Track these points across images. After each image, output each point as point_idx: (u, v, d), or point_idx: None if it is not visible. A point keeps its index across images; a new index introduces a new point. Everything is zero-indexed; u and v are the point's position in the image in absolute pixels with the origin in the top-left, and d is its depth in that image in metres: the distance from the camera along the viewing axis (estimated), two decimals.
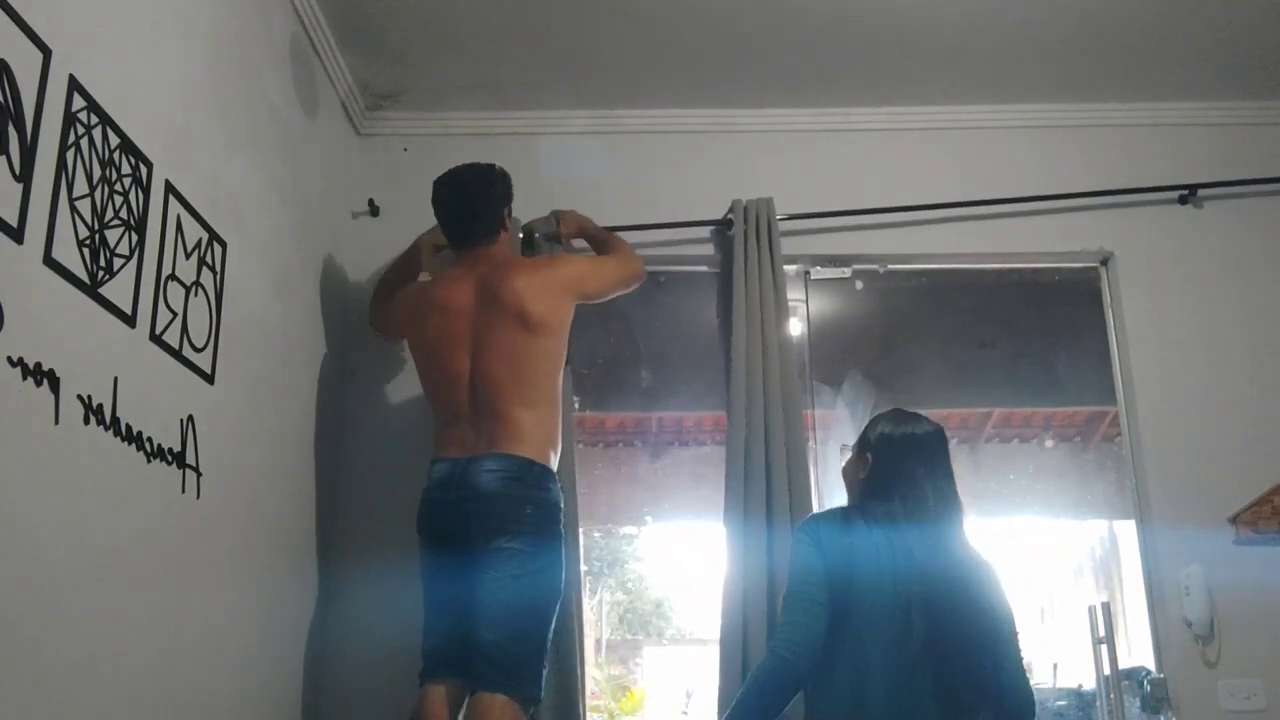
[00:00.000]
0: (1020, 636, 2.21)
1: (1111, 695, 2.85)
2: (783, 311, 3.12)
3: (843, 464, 2.47)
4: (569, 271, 2.76)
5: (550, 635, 2.48)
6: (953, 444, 2.32)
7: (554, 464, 2.57)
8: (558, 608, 2.52)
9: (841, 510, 2.31)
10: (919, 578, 2.09)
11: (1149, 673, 3.04)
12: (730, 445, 2.98)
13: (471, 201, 2.74)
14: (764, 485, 2.92)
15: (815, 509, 3.00)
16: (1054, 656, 4.00)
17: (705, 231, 3.31)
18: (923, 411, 2.36)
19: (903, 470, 2.25)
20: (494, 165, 2.80)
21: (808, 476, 2.99)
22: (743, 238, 3.15)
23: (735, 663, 2.82)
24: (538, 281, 2.66)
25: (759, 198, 3.20)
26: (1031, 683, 2.20)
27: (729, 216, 3.22)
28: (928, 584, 2.09)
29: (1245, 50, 3.11)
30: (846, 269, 3.40)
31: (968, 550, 2.23)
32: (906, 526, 2.16)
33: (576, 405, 3.21)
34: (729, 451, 2.98)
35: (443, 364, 2.62)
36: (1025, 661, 2.22)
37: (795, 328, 3.46)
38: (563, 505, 2.55)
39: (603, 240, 3.04)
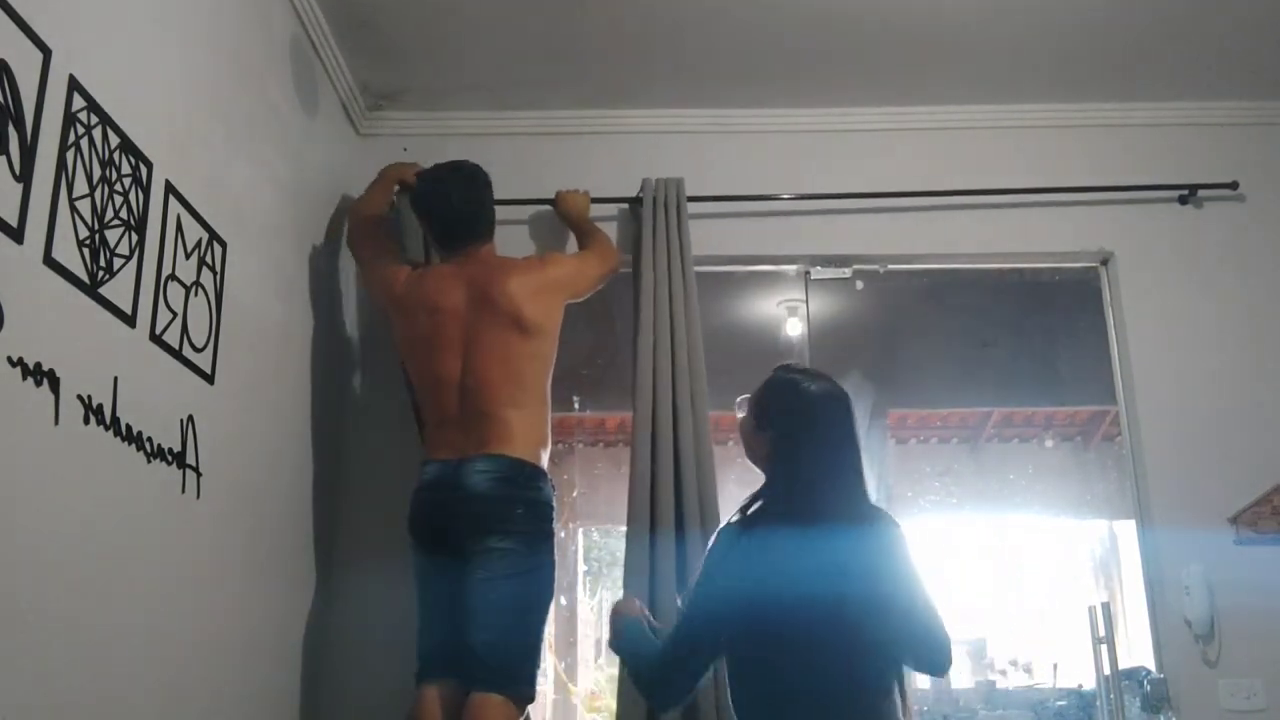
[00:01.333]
0: (920, 586, 2.02)
1: (1111, 695, 2.85)
2: (690, 303, 3.05)
3: (739, 419, 2.22)
4: (559, 272, 2.76)
5: (543, 634, 2.48)
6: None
7: (544, 463, 2.57)
8: (550, 607, 2.53)
9: (739, 523, 2.06)
10: (824, 595, 1.93)
11: (1149, 673, 3.04)
12: (636, 449, 2.88)
13: (466, 204, 2.75)
14: (672, 492, 2.84)
15: None
16: (1054, 656, 4.01)
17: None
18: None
19: (803, 465, 2.06)
20: (476, 164, 2.82)
21: (714, 483, 2.90)
22: (648, 220, 3.12)
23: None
24: (531, 284, 2.66)
25: (667, 177, 3.18)
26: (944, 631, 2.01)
27: (639, 195, 3.19)
28: (829, 597, 1.93)
29: (1245, 50, 3.11)
30: (846, 269, 3.39)
31: (864, 538, 2.02)
32: (805, 529, 1.99)
33: (576, 405, 3.21)
34: (634, 455, 2.88)
35: (432, 366, 2.63)
36: (932, 607, 2.01)
37: (795, 328, 3.46)
38: (555, 505, 2.55)
39: (586, 232, 3.04)
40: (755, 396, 2.19)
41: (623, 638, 2.16)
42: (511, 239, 3.16)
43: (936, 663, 2.02)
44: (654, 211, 3.14)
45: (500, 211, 2.93)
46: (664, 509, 2.84)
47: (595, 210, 3.18)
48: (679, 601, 2.55)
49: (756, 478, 2.18)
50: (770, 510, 2.05)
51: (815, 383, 2.14)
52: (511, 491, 2.47)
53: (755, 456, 2.18)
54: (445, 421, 2.59)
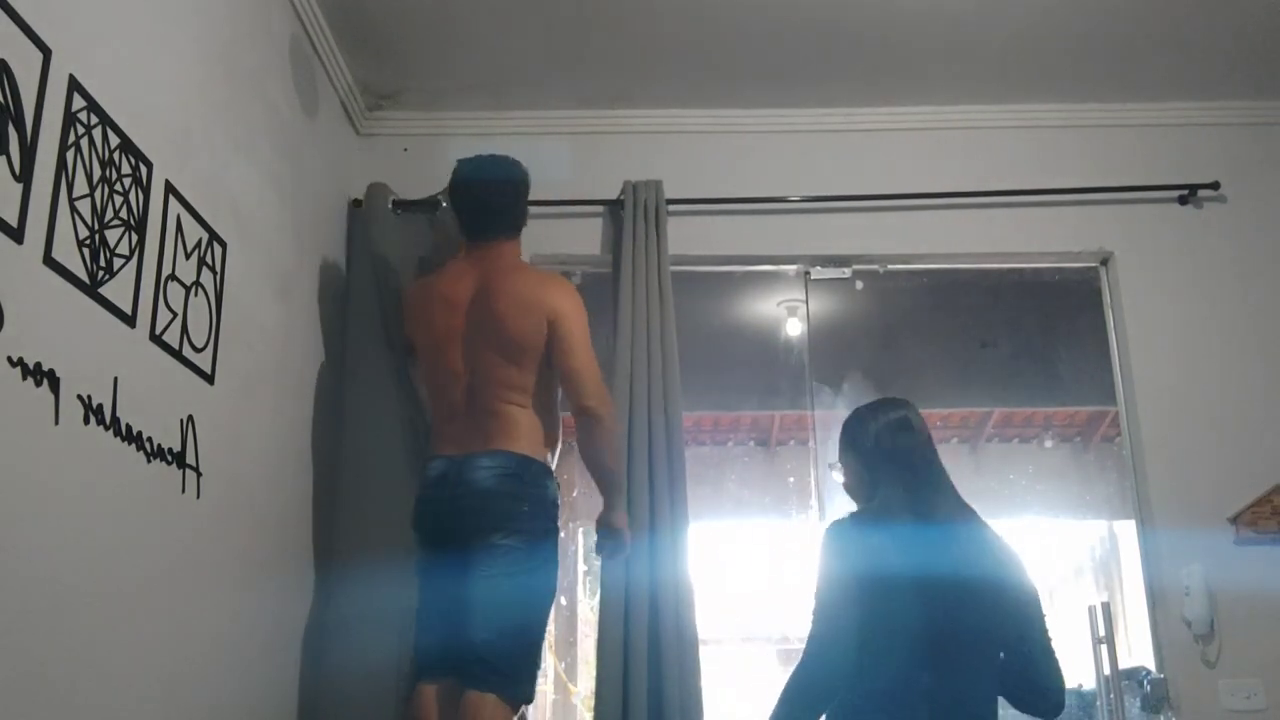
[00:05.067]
0: (1045, 619, 2.11)
1: (1111, 695, 2.85)
2: (666, 304, 3.07)
3: (843, 483, 2.28)
4: (558, 332, 2.52)
5: (544, 634, 2.47)
6: (953, 444, 2.30)
7: (552, 462, 2.57)
8: (551, 607, 2.52)
9: (848, 519, 2.13)
10: (934, 578, 1.98)
11: (1149, 673, 3.04)
12: None
13: (493, 195, 2.68)
14: (647, 492, 2.90)
15: (815, 511, 3.00)
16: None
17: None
18: (923, 412, 2.29)
19: (897, 466, 2.13)
20: (517, 161, 2.75)
21: (685, 482, 2.94)
22: (629, 222, 3.14)
23: (616, 669, 2.81)
24: (524, 302, 2.54)
25: (646, 179, 3.19)
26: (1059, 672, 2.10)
27: (621, 198, 3.20)
28: (942, 584, 1.98)
29: (1246, 50, 3.11)
30: (846, 269, 3.40)
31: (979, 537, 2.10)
32: (916, 524, 2.06)
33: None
34: None
35: (441, 360, 2.61)
36: (1052, 647, 2.11)
37: (795, 328, 3.47)
38: (560, 504, 2.54)
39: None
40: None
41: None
42: None
43: (1043, 709, 2.09)
44: (633, 213, 3.15)
45: None
46: (638, 509, 2.88)
47: (584, 210, 3.22)
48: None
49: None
50: (870, 510, 2.14)
51: (878, 417, 2.20)
52: (516, 488, 2.45)
53: (855, 496, 2.23)
54: (451, 417, 2.57)
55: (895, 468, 2.14)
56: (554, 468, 2.58)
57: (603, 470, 2.58)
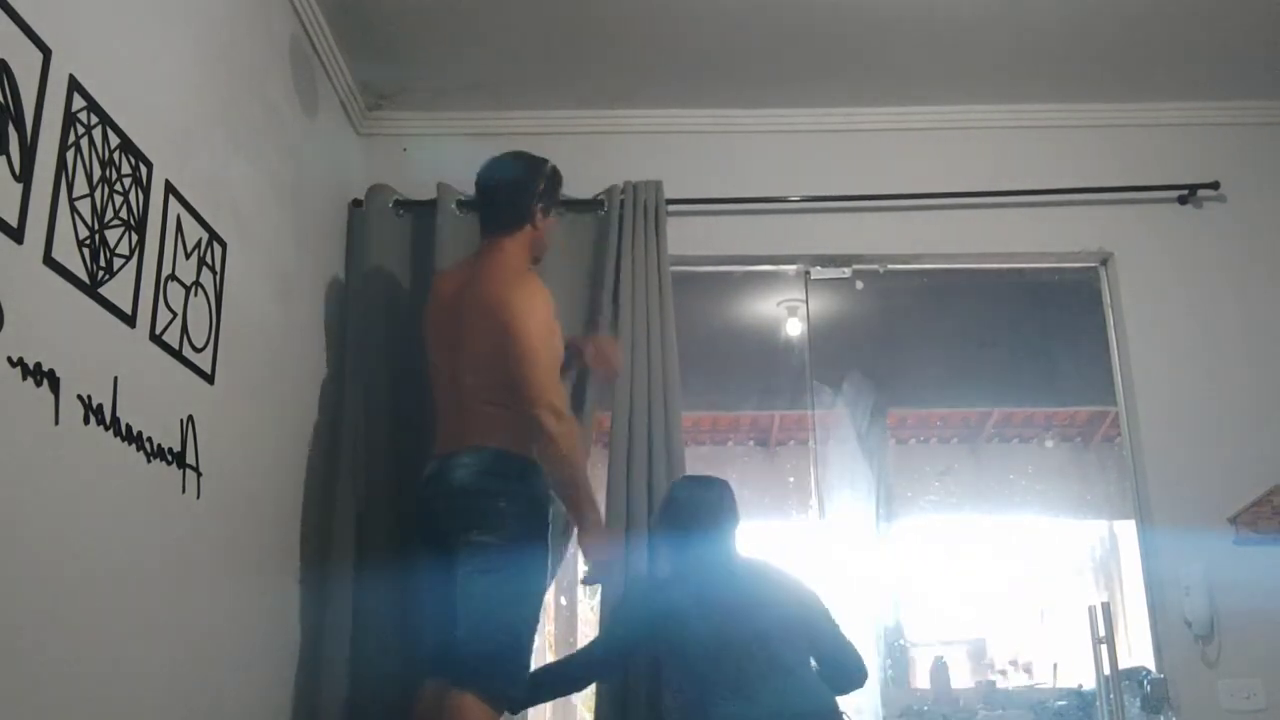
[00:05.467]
0: (830, 614, 2.58)
1: (1111, 695, 2.85)
2: (666, 304, 3.07)
3: None
4: (510, 347, 2.44)
5: (528, 633, 2.42)
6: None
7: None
8: (538, 605, 2.47)
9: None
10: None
11: (1149, 673, 3.04)
12: (613, 450, 2.96)
13: (498, 188, 2.64)
14: (645, 492, 2.91)
15: (815, 511, 3.00)
16: (1054, 656, 4.01)
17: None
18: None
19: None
20: (541, 160, 2.70)
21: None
22: (628, 222, 3.14)
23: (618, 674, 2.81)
24: (483, 307, 2.50)
25: (646, 180, 3.19)
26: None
27: (600, 197, 3.20)
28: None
29: (1246, 51, 3.11)
30: (846, 269, 3.40)
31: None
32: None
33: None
34: (611, 456, 2.96)
35: (434, 359, 2.62)
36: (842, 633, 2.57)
37: (795, 328, 3.47)
38: (548, 499, 2.50)
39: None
40: None
41: None
42: None
43: (854, 681, 2.64)
44: (632, 214, 3.15)
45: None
46: (638, 509, 2.88)
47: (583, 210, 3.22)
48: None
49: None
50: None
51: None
52: (493, 484, 2.42)
53: None
54: (444, 416, 2.58)
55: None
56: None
57: (556, 485, 2.49)
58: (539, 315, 2.48)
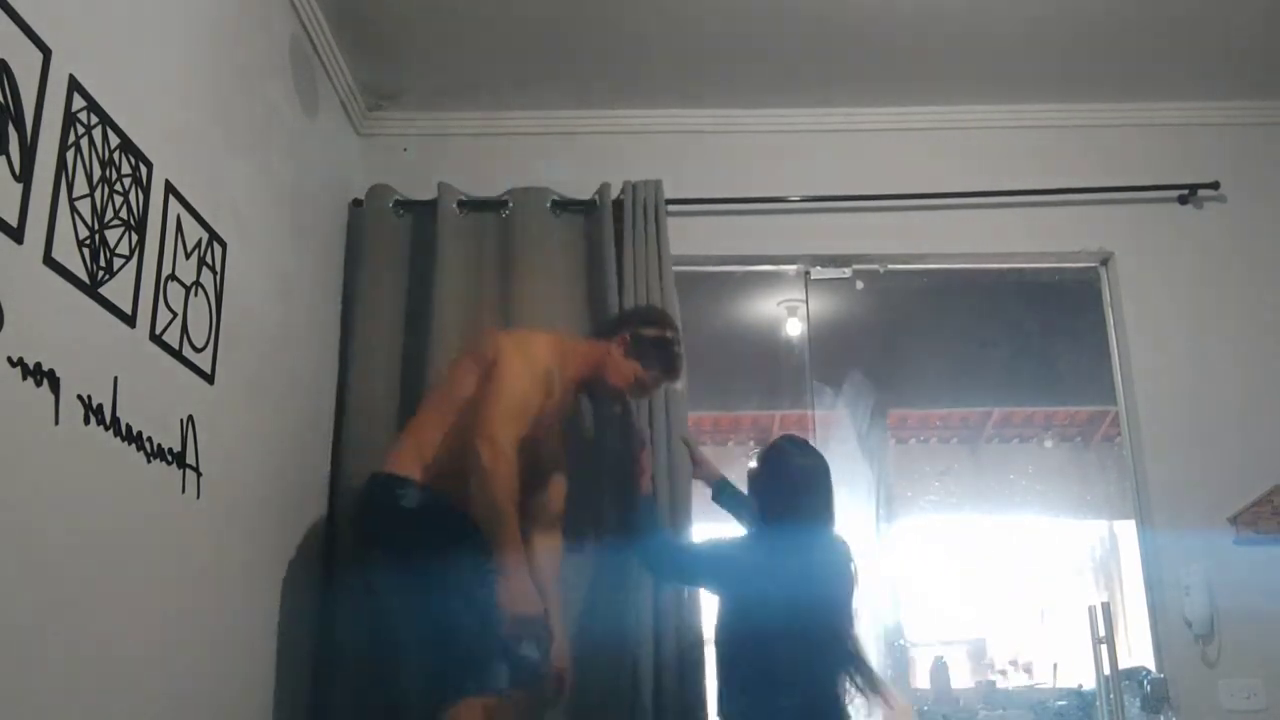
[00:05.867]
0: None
1: (1111, 695, 2.85)
2: (668, 304, 3.07)
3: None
4: (495, 361, 2.51)
5: (470, 627, 2.34)
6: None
7: (420, 472, 2.48)
8: (468, 600, 2.38)
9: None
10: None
11: (1149, 673, 3.04)
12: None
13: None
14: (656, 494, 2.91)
15: None
16: (1054, 656, 4.01)
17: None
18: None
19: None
20: (663, 320, 2.82)
21: (688, 485, 2.97)
22: (629, 222, 3.15)
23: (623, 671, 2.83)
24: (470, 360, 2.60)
25: (647, 179, 3.20)
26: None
27: (590, 196, 3.22)
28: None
29: (1246, 50, 3.11)
30: (846, 269, 3.40)
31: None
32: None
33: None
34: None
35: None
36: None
37: (795, 328, 3.47)
38: (419, 507, 2.44)
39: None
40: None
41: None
42: (505, 236, 3.17)
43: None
44: (632, 213, 3.15)
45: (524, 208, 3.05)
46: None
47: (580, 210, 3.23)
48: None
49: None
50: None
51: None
52: (367, 508, 2.54)
53: None
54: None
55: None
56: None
57: (480, 520, 2.40)
58: (524, 363, 2.51)
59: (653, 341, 2.70)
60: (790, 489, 2.52)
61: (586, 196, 3.23)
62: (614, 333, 2.74)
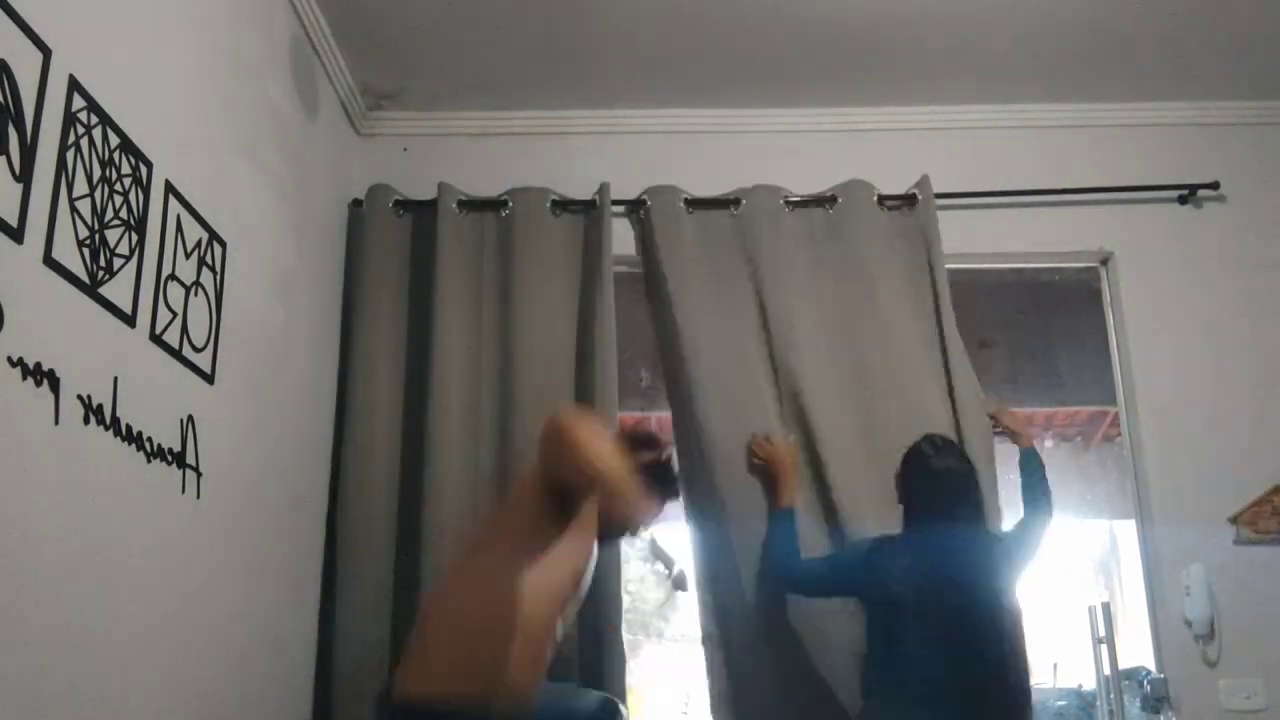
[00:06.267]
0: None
1: (1111, 695, 2.85)
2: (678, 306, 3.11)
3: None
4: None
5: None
6: None
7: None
8: None
9: None
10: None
11: (1149, 673, 3.04)
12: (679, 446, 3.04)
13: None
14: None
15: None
16: (1054, 656, 4.01)
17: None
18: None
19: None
20: (635, 430, 2.75)
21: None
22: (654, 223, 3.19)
23: (718, 660, 2.89)
24: None
25: (663, 185, 3.24)
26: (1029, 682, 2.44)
27: (590, 196, 3.24)
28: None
29: (1246, 50, 3.11)
30: None
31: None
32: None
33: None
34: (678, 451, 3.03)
35: None
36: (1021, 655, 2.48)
37: None
38: None
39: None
40: None
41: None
42: (505, 236, 3.17)
43: None
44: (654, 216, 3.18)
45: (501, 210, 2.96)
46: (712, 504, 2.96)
47: (581, 210, 3.22)
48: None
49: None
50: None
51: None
52: None
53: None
54: None
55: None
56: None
57: None
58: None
59: (655, 469, 2.40)
60: (924, 489, 2.60)
61: (586, 196, 3.23)
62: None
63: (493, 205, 3.23)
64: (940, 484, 2.58)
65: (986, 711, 2.38)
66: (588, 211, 3.23)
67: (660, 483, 2.40)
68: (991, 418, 3.02)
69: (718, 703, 2.87)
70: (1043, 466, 2.82)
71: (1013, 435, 2.97)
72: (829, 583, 2.71)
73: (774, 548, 2.78)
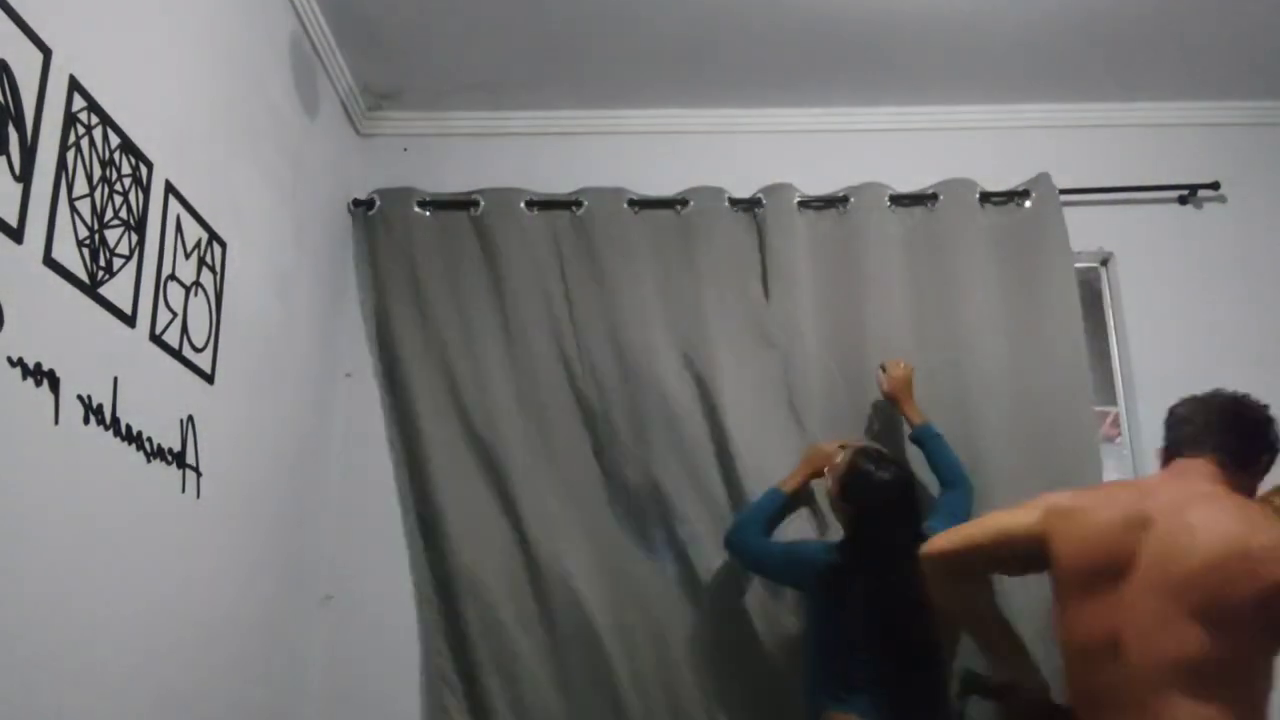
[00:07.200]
0: None
1: None
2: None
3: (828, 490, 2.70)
4: None
5: None
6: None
7: None
8: None
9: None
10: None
11: None
12: None
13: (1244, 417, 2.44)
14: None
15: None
16: None
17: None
18: None
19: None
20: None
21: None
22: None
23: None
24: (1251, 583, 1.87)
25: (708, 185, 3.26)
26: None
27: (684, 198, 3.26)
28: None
29: (1246, 50, 3.11)
30: None
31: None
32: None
33: None
34: None
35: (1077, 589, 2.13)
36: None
37: None
38: None
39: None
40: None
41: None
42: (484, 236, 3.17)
43: None
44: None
45: (501, 209, 2.99)
46: None
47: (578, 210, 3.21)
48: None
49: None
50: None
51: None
52: None
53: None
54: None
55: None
56: None
57: None
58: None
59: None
60: (869, 506, 2.58)
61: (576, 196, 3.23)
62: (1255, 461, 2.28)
63: (564, 205, 3.23)
64: (885, 496, 2.57)
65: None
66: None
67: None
68: (885, 395, 2.93)
69: None
70: (942, 438, 2.80)
71: (900, 408, 2.89)
72: (774, 570, 2.75)
73: (747, 514, 2.80)
